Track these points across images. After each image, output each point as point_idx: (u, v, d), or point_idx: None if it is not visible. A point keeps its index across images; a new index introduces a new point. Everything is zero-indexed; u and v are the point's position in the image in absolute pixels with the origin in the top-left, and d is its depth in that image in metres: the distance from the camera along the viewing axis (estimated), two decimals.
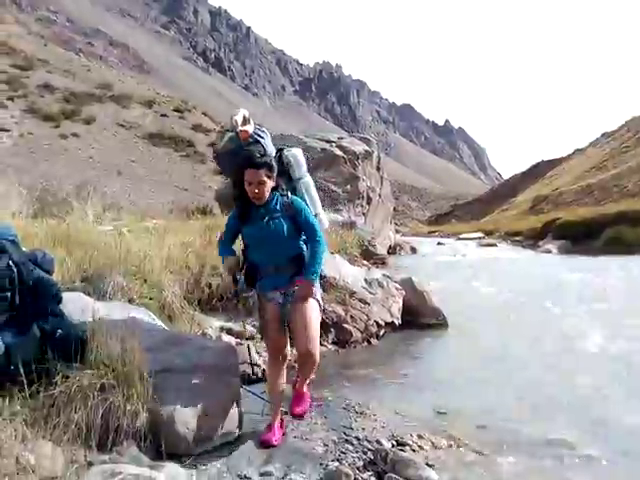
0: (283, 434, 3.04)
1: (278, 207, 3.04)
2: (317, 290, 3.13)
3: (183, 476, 2.48)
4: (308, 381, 3.33)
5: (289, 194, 3.12)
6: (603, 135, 60.33)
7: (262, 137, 3.27)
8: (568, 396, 3.98)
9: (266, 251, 3.03)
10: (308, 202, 3.26)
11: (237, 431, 2.97)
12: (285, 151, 3.37)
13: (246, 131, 3.22)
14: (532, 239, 23.50)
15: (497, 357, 5.13)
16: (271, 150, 3.29)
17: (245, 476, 2.57)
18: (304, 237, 3.10)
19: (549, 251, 18.90)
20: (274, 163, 3.04)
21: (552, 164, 67.70)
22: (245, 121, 3.27)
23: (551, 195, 44.17)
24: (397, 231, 38.86)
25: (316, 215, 3.27)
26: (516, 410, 3.66)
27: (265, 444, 2.85)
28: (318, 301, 3.12)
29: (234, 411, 2.94)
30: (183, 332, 3.73)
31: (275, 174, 3.03)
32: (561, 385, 4.25)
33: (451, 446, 3.09)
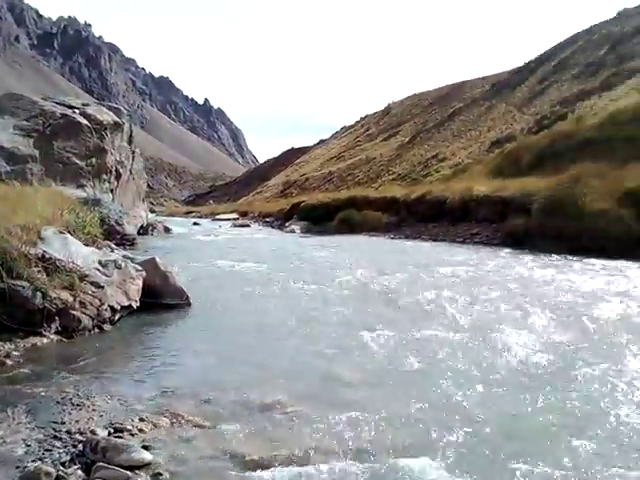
0: None
1: None
2: None
3: None
4: None
5: None
6: (342, 129, 68.39)
7: None
8: (289, 362, 4.43)
9: None
10: None
11: None
12: None
13: None
14: (281, 220, 25.39)
15: (232, 333, 5.40)
16: None
17: None
18: None
19: (294, 231, 20.71)
20: None
21: (301, 152, 73.95)
22: None
23: (299, 180, 48.31)
24: (152, 210, 37.29)
25: None
26: (240, 382, 3.91)
27: None
28: None
29: None
30: None
31: None
32: (284, 353, 4.70)
33: (173, 424, 3.13)
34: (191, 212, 48.53)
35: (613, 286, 7.50)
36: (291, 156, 76.18)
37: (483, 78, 47.68)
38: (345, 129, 66.79)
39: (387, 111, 57.58)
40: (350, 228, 19.23)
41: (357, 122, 64.68)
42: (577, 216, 10.80)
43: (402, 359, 4.55)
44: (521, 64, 40.72)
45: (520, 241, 12.31)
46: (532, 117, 28.11)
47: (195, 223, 29.26)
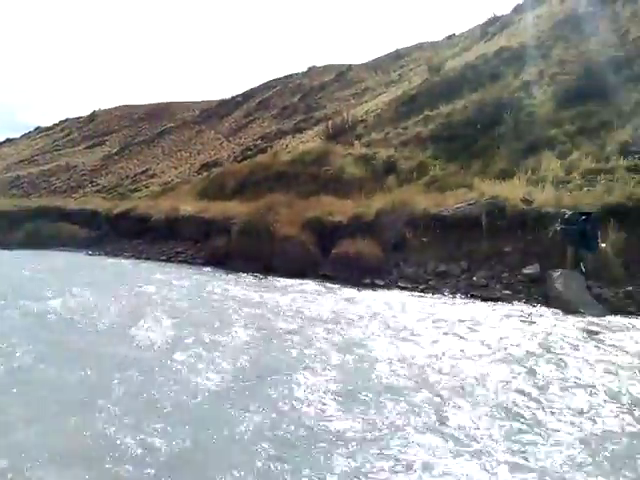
0: None
1: None
2: None
3: None
4: None
5: None
6: (37, 129, 60.28)
7: None
8: None
9: None
10: None
11: None
12: None
13: None
14: None
15: None
16: None
17: None
18: None
19: None
20: None
21: None
22: None
23: None
24: None
25: None
26: None
27: None
28: None
29: None
30: None
31: None
32: None
33: None
34: None
35: (294, 302, 8.62)
36: None
37: (193, 102, 49.17)
38: (40, 130, 59.05)
39: (92, 118, 53.52)
40: (40, 242, 16.99)
41: (56, 125, 58.04)
42: (269, 239, 12.09)
43: (73, 387, 4.26)
44: (228, 97, 43.68)
45: (221, 261, 13.00)
46: (238, 147, 30.36)
47: None
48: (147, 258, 14.96)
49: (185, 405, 4.20)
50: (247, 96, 41.63)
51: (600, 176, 10.27)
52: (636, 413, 4.11)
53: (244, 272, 11.70)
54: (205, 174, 24.89)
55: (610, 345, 5.97)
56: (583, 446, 3.58)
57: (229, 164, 25.06)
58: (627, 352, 5.69)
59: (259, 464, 3.33)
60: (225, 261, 12.90)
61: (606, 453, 3.50)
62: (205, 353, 5.54)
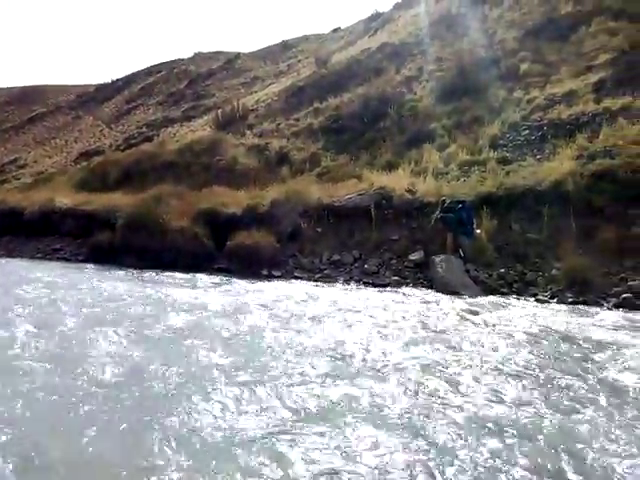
0: None
1: None
2: None
3: None
4: None
5: None
6: None
7: None
8: None
9: None
10: None
11: None
12: None
13: None
14: None
15: None
16: None
17: None
18: None
19: None
20: None
21: None
22: None
23: None
24: None
25: None
26: None
27: None
28: None
29: None
30: None
31: None
32: None
33: None
34: None
35: (184, 297, 8.35)
36: None
37: (68, 86, 45.36)
38: None
39: None
40: None
41: None
42: (159, 232, 11.57)
43: None
44: (107, 81, 40.91)
45: (106, 256, 12.19)
46: (120, 134, 28.58)
47: None
48: (20, 256, 13.64)
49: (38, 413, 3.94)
50: (129, 81, 39.27)
51: (474, 167, 11.20)
52: (498, 371, 4.64)
53: (132, 268, 11.10)
54: (84, 164, 23.15)
55: (483, 321, 6.59)
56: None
57: (111, 153, 23.52)
58: (495, 326, 6.33)
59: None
60: (110, 257, 12.12)
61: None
62: (76, 356, 5.21)
